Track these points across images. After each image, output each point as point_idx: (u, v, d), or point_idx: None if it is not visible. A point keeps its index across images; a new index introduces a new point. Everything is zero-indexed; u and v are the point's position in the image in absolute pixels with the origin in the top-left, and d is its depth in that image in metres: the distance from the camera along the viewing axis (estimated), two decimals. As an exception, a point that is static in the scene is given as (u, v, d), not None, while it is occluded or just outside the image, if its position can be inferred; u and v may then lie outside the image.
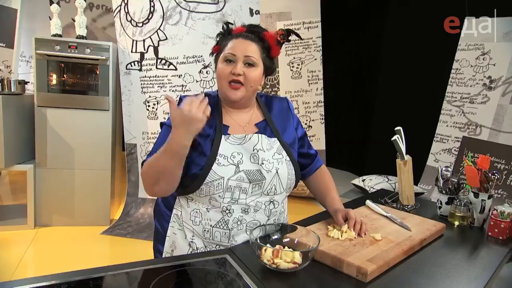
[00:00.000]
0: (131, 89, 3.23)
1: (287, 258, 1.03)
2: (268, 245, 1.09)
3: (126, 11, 3.13)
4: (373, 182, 3.71)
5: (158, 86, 3.18)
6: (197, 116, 1.06)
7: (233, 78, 1.20)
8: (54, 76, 3.06)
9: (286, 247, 1.10)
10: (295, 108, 3.99)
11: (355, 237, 1.20)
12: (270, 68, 1.31)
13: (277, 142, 1.30)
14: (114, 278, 0.93)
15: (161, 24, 3.08)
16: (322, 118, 3.94)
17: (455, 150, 3.94)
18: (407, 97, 4.39)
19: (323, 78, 3.91)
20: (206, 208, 1.23)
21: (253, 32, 1.26)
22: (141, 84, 3.20)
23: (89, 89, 3.10)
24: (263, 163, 1.23)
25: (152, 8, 3.07)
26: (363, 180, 3.82)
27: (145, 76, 3.18)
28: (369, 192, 3.58)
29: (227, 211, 1.22)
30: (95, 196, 3.14)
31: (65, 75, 3.07)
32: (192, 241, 1.28)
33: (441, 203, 1.57)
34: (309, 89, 3.93)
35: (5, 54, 3.90)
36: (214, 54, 1.32)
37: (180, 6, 3.04)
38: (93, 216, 3.20)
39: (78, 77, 3.09)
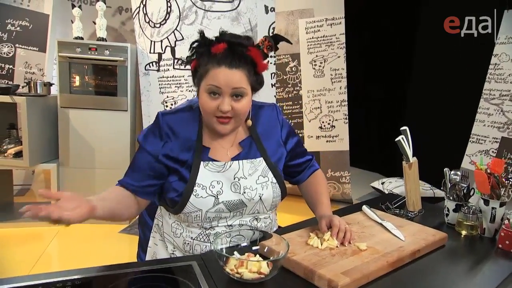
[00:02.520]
0: (150, 89, 3.26)
1: (253, 268, 0.95)
2: (236, 253, 1.02)
3: (145, 12, 3.17)
4: (392, 185, 3.51)
5: (175, 86, 3.19)
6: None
7: (220, 114, 1.09)
8: (77, 78, 3.15)
9: (257, 256, 1.03)
10: (318, 107, 3.87)
11: (337, 246, 1.11)
12: (258, 87, 1.17)
13: (263, 162, 1.20)
14: (63, 285, 0.90)
15: (178, 24, 3.09)
16: (346, 118, 3.79)
17: (493, 151, 3.65)
18: (441, 94, 4.13)
19: (347, 76, 3.76)
20: (187, 225, 1.19)
21: (236, 51, 1.07)
22: (159, 84, 3.22)
23: (108, 90, 3.17)
24: (245, 192, 1.16)
25: (169, 9, 3.08)
26: (382, 183, 3.63)
27: (163, 77, 3.20)
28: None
29: (210, 228, 1.18)
30: (114, 195, 3.19)
31: (86, 77, 3.16)
32: (173, 253, 1.24)
33: (448, 210, 1.42)
34: (332, 87, 3.79)
35: (38, 58, 4.07)
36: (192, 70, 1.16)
37: (196, 6, 3.03)
38: (113, 215, 3.26)
39: (98, 78, 3.16)
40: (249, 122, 1.20)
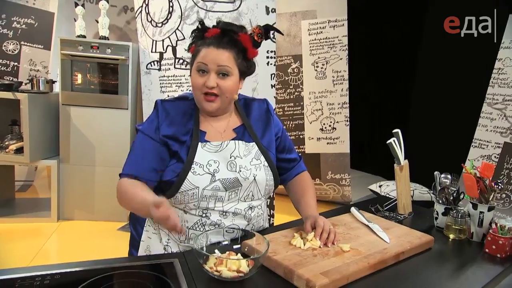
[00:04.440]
0: (151, 88, 3.28)
1: (232, 266, 0.96)
2: (216, 251, 1.03)
3: (147, 11, 3.19)
4: (390, 188, 3.49)
5: (176, 86, 3.21)
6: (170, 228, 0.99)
7: (206, 90, 1.16)
8: (79, 76, 3.17)
9: (239, 254, 1.03)
10: (319, 109, 3.86)
11: (320, 247, 1.11)
12: (247, 72, 1.24)
13: (255, 146, 1.26)
14: (42, 279, 0.91)
15: (179, 24, 3.10)
16: (347, 120, 3.77)
17: (495, 157, 3.61)
18: (443, 98, 4.10)
19: (349, 78, 3.75)
20: (184, 210, 1.21)
21: (227, 35, 1.17)
22: (160, 83, 3.24)
23: (109, 88, 3.19)
24: (240, 171, 1.20)
25: (170, 9, 3.10)
26: (380, 186, 3.61)
27: (164, 76, 3.21)
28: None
29: (204, 216, 1.19)
30: (114, 192, 3.19)
31: (88, 75, 3.18)
32: (167, 245, 1.25)
33: (437, 214, 1.42)
34: (334, 89, 3.77)
35: (43, 55, 4.12)
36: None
37: (198, 6, 3.04)
38: (112, 212, 3.28)
39: (100, 76, 3.18)
40: (235, 96, 1.24)
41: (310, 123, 3.90)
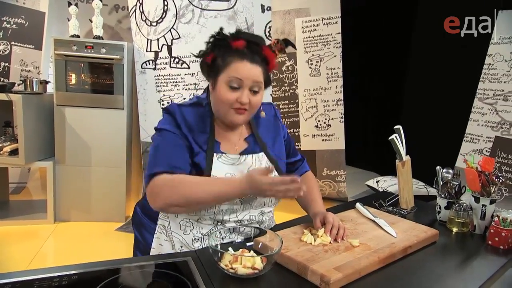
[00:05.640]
0: (146, 88, 3.27)
1: (247, 263, 0.97)
2: (230, 249, 1.04)
3: (141, 10, 3.17)
4: (387, 183, 3.54)
5: (171, 85, 3.20)
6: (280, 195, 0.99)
7: (239, 106, 1.13)
8: (73, 76, 3.15)
9: (251, 252, 1.05)
10: (314, 106, 3.89)
11: (330, 243, 1.13)
12: (268, 85, 1.22)
13: (264, 157, 1.25)
14: (62, 279, 0.91)
15: (174, 23, 3.09)
16: (342, 117, 3.81)
17: (486, 150, 3.68)
18: (436, 93, 4.16)
19: (343, 75, 3.79)
20: (198, 221, 1.20)
21: (254, 49, 1.14)
22: (156, 83, 3.23)
23: (104, 88, 3.16)
24: None
25: (165, 7, 3.09)
26: (377, 181, 3.66)
27: (159, 75, 3.21)
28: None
29: (220, 224, 1.19)
30: (111, 193, 3.21)
31: (82, 75, 3.15)
32: (180, 251, 1.25)
33: (440, 208, 1.45)
34: (328, 87, 3.81)
35: (34, 56, 4.07)
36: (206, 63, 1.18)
37: (193, 5, 3.04)
38: (109, 213, 3.27)
39: (94, 76, 3.16)
40: (263, 114, 1.25)
41: (305, 120, 3.93)
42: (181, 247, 1.23)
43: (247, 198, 1.17)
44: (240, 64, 1.11)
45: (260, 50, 1.15)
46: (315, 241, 1.12)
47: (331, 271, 0.96)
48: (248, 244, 1.09)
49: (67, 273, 0.94)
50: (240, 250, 1.04)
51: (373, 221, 1.32)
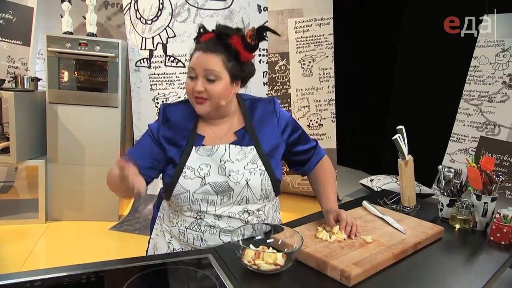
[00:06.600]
0: (140, 86, 3.25)
1: (269, 260, 1.00)
2: (251, 245, 1.06)
3: (136, 8, 3.15)
4: (381, 182, 3.62)
5: (166, 84, 3.19)
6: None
7: (196, 95, 1.18)
8: (66, 73, 3.10)
9: (270, 248, 1.08)
10: (306, 106, 3.94)
11: (344, 239, 1.16)
12: (240, 75, 1.21)
13: (254, 150, 1.24)
14: (87, 276, 0.92)
15: (170, 21, 3.09)
16: (333, 117, 3.87)
17: (472, 150, 3.80)
18: (423, 94, 4.27)
19: (335, 75, 3.85)
20: (180, 213, 1.25)
21: (220, 38, 1.17)
22: (150, 81, 3.21)
23: (98, 86, 3.13)
24: (230, 175, 1.19)
25: (161, 6, 3.08)
26: (371, 180, 3.74)
27: (154, 73, 3.19)
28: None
29: (199, 218, 1.21)
30: (104, 191, 3.11)
31: (75, 72, 3.11)
32: (170, 242, 1.29)
33: (442, 205, 1.51)
34: (320, 87, 3.86)
35: (22, 52, 3.98)
36: None
37: (189, 3, 3.03)
38: (102, 212, 3.24)
39: (88, 74, 3.12)
40: (223, 103, 1.22)
41: (298, 119, 3.97)
42: (171, 238, 1.28)
43: (221, 189, 1.18)
44: (195, 54, 1.18)
45: (226, 39, 1.17)
46: (330, 237, 1.16)
47: (351, 266, 1.00)
48: (268, 241, 1.12)
49: (89, 270, 0.94)
50: (261, 246, 1.07)
51: (381, 218, 1.37)
